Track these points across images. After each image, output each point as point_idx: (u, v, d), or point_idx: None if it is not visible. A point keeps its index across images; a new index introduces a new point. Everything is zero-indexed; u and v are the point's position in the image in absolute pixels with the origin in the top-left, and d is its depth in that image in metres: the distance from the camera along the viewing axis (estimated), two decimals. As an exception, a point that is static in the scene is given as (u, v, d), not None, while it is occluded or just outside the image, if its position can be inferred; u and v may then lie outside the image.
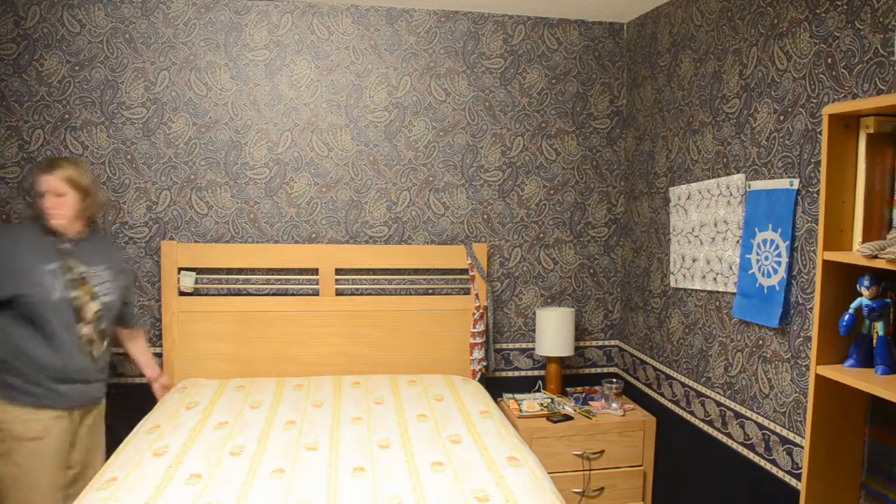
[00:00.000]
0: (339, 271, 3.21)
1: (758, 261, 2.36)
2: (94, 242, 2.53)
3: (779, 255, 2.25)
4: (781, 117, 2.27)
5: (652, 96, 3.18)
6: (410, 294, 3.30)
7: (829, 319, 1.74)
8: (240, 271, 3.15)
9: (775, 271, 2.26)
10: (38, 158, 2.98)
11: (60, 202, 2.35)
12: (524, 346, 3.48)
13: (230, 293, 3.16)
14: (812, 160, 2.13)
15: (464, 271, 3.32)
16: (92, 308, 2.42)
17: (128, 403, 2.97)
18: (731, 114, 2.56)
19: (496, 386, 3.35)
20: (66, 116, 2.99)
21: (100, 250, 2.53)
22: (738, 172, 2.49)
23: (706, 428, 2.73)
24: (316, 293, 3.19)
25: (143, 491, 1.90)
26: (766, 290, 2.31)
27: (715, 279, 2.64)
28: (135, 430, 2.44)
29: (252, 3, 3.10)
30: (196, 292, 3.11)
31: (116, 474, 2.02)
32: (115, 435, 2.64)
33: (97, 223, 2.54)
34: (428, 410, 2.66)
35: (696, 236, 2.76)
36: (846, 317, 1.66)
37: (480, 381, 3.25)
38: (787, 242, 2.20)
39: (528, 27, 3.34)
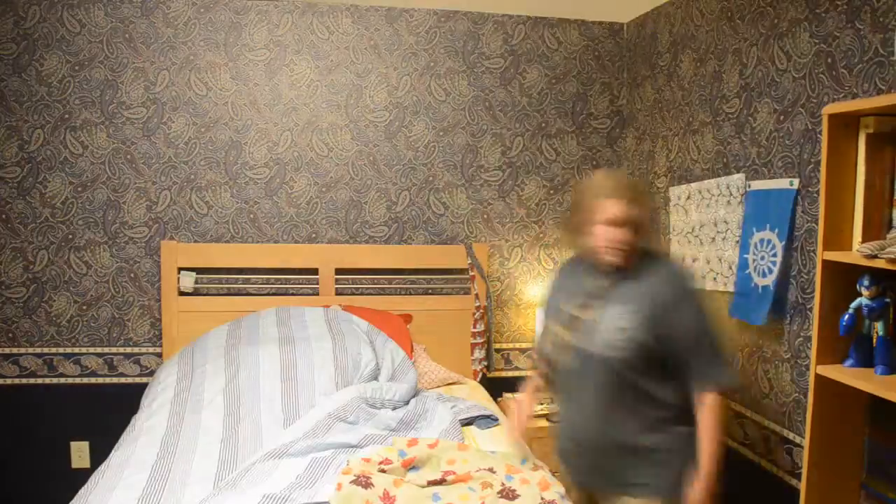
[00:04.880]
0: (338, 271, 3.21)
1: (754, 260, 2.36)
2: (638, 274, 1.84)
3: (774, 255, 2.25)
4: (781, 117, 2.27)
5: (652, 96, 3.18)
6: (410, 294, 3.30)
7: (829, 319, 1.74)
8: (240, 271, 3.15)
9: (770, 271, 2.26)
10: (37, 158, 2.99)
11: (617, 234, 1.80)
12: (524, 345, 3.48)
13: (230, 293, 3.16)
14: (812, 160, 2.13)
15: (464, 271, 3.32)
16: (590, 355, 1.82)
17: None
18: (731, 114, 2.56)
19: (496, 385, 3.35)
20: (66, 116, 2.99)
21: (639, 286, 1.82)
22: (738, 172, 2.49)
23: (706, 428, 2.73)
24: (316, 293, 3.19)
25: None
26: (760, 290, 2.31)
27: (715, 279, 2.64)
28: None
29: (252, 2, 3.10)
30: (196, 292, 3.11)
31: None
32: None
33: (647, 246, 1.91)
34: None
35: (697, 236, 2.76)
36: (846, 317, 1.66)
37: (482, 381, 3.25)
38: (784, 242, 2.20)
39: (528, 27, 3.34)
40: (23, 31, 2.93)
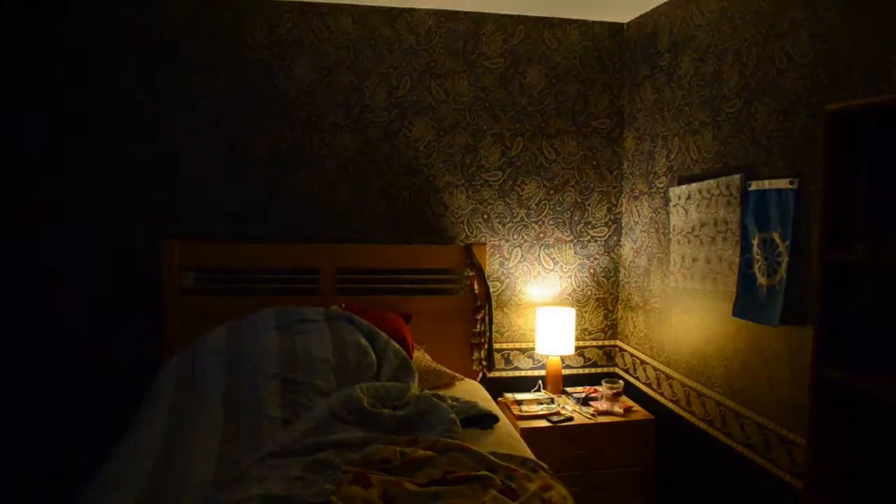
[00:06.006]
0: (339, 270, 3.21)
1: (757, 260, 2.36)
2: None
3: (778, 255, 2.25)
4: (781, 117, 2.27)
5: (652, 96, 3.18)
6: (410, 294, 3.29)
7: (829, 319, 1.74)
8: (241, 270, 3.15)
9: (775, 271, 2.26)
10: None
11: None
12: (524, 345, 3.48)
13: (231, 292, 3.15)
14: (812, 160, 2.13)
15: (463, 271, 3.32)
16: None
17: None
18: (731, 113, 2.56)
19: (496, 385, 3.35)
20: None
21: None
22: (738, 172, 2.49)
23: (706, 428, 2.73)
24: (317, 292, 3.19)
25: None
26: (766, 290, 2.31)
27: (715, 279, 2.64)
28: None
29: (252, 2, 3.10)
30: (197, 291, 3.11)
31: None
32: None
33: None
34: None
35: (697, 236, 2.76)
36: (847, 316, 1.66)
37: (482, 381, 3.25)
38: (787, 242, 2.20)
39: (528, 27, 3.34)
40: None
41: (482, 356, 3.29)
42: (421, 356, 3.06)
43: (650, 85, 3.20)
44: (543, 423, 3.01)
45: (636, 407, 3.22)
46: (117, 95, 3.02)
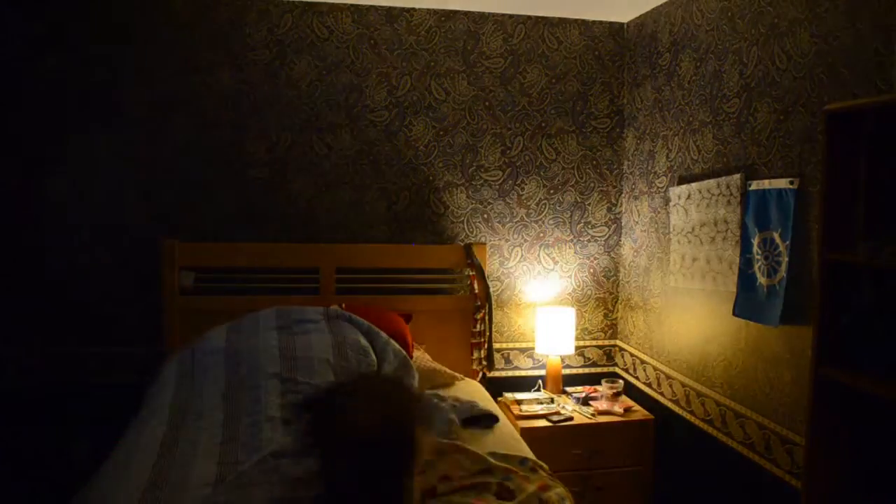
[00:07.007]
0: (339, 270, 3.21)
1: (757, 260, 2.36)
2: None
3: (779, 255, 2.25)
4: (781, 117, 2.27)
5: (652, 96, 3.18)
6: (410, 294, 3.29)
7: (830, 319, 1.74)
8: (240, 270, 3.15)
9: (775, 271, 2.26)
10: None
11: None
12: (524, 345, 3.48)
13: (230, 292, 3.15)
14: (812, 160, 2.13)
15: (463, 271, 3.32)
16: None
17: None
18: (731, 113, 2.56)
19: (496, 385, 3.35)
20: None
21: None
22: (738, 172, 2.49)
23: (706, 428, 2.73)
24: (316, 292, 3.19)
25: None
26: (766, 290, 2.31)
27: (715, 279, 2.64)
28: None
29: (252, 2, 3.10)
30: (196, 291, 3.11)
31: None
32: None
33: None
34: None
35: (697, 236, 2.76)
36: (847, 316, 1.66)
37: (482, 380, 3.25)
38: (787, 242, 2.20)
39: (528, 27, 3.34)
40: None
41: (482, 356, 3.28)
42: (421, 356, 3.06)
43: (650, 85, 3.20)
44: (543, 423, 3.01)
45: (636, 407, 3.22)
46: (117, 95, 3.02)
